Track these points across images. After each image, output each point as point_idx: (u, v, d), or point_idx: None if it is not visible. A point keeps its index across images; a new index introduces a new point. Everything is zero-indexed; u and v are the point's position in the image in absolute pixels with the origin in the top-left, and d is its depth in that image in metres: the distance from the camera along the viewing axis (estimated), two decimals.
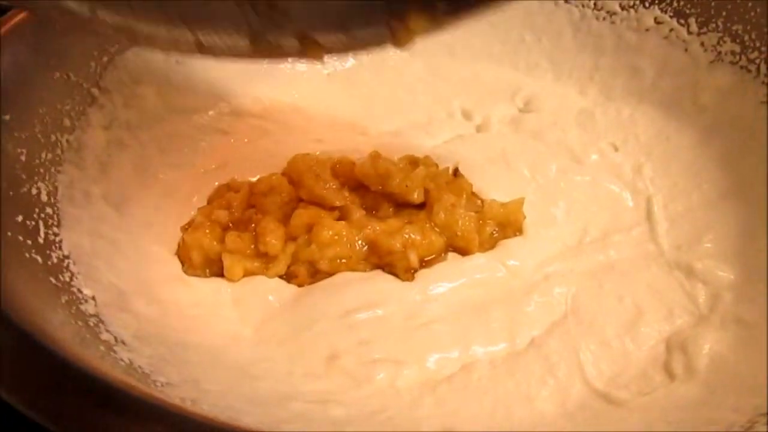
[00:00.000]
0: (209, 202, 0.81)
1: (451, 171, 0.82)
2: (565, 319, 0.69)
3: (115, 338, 0.55)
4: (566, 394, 0.62)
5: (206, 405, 0.51)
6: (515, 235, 0.77)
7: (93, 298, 0.59)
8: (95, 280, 0.61)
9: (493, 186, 0.82)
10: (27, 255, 0.57)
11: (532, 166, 0.85)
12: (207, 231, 0.73)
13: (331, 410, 0.59)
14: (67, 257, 0.61)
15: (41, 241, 0.60)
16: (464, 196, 0.79)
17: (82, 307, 0.57)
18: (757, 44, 0.81)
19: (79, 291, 0.59)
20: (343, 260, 0.72)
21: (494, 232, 0.77)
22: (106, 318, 0.57)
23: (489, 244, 0.76)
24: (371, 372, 0.63)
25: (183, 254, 0.73)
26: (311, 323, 0.67)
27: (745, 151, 0.80)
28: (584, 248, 0.77)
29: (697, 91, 0.87)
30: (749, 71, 0.82)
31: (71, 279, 0.59)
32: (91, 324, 0.55)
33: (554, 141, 0.89)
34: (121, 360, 0.52)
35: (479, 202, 0.80)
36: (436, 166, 0.82)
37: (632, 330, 0.67)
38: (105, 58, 0.77)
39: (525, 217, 0.78)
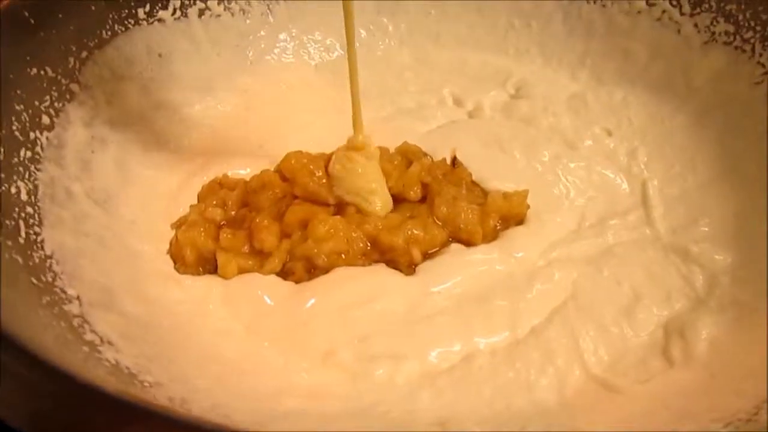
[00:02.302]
0: (200, 199, 0.79)
1: (449, 160, 0.81)
2: (565, 305, 0.67)
3: (101, 338, 0.54)
4: (565, 381, 0.61)
5: (196, 403, 0.49)
6: (517, 225, 0.76)
7: (77, 298, 0.58)
8: (80, 280, 0.60)
9: (492, 173, 0.80)
10: (7, 256, 0.55)
11: (527, 152, 0.84)
12: (201, 229, 0.72)
13: (326, 405, 0.58)
14: (50, 257, 0.60)
15: (22, 241, 0.58)
16: (464, 185, 0.78)
17: (66, 308, 0.55)
18: (752, 23, 0.79)
19: (63, 291, 0.57)
20: (342, 255, 0.70)
21: (497, 225, 0.75)
22: (91, 318, 0.56)
23: (492, 236, 0.74)
24: (369, 368, 0.61)
25: (176, 252, 0.72)
26: (307, 319, 0.65)
27: (739, 132, 0.79)
28: (583, 233, 0.76)
29: (690, 73, 0.86)
30: (744, 51, 0.80)
31: (54, 279, 0.58)
32: (75, 325, 0.53)
33: (547, 127, 0.88)
34: (106, 361, 0.51)
35: (479, 191, 0.78)
36: (431, 158, 0.80)
37: (630, 315, 0.66)
38: (84, 53, 0.75)
39: (529, 207, 0.77)
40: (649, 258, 0.72)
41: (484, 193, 0.78)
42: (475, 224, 0.73)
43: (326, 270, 0.69)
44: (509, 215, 0.75)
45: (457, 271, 0.70)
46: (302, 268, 0.69)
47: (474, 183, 0.79)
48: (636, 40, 0.91)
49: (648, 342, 0.64)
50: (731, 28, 0.81)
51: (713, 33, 0.83)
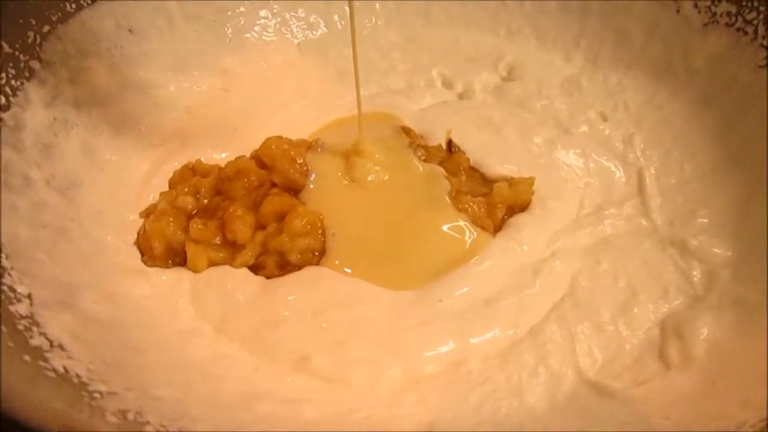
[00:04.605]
0: (171, 185, 0.74)
1: (444, 145, 0.77)
2: (562, 301, 0.64)
3: (50, 343, 0.49)
4: (558, 385, 0.58)
5: (154, 415, 0.45)
6: (521, 212, 0.72)
7: (28, 296, 0.53)
8: (33, 276, 0.55)
9: (490, 157, 0.76)
10: None
11: (522, 136, 0.79)
12: (171, 219, 0.67)
13: (302, 411, 0.54)
14: None
15: None
16: (463, 172, 0.73)
17: (12, 308, 0.51)
18: (755, 4, 0.75)
19: (11, 289, 0.52)
20: (317, 253, 0.65)
21: (504, 216, 0.71)
22: (41, 319, 0.51)
23: (498, 226, 0.71)
24: (347, 372, 0.58)
25: (143, 244, 0.67)
26: (278, 322, 0.61)
27: (741, 118, 0.76)
28: (581, 222, 0.72)
29: (689, 56, 0.82)
30: (746, 33, 0.76)
31: (2, 275, 0.53)
32: (21, 328, 0.49)
33: (540, 110, 0.84)
34: (52, 371, 0.46)
35: (478, 177, 0.74)
36: (425, 144, 0.76)
37: (626, 312, 0.63)
38: (45, 27, 0.69)
39: (533, 193, 0.73)
40: (646, 251, 0.68)
41: (484, 179, 0.74)
42: (484, 217, 0.70)
43: (299, 267, 0.65)
44: (515, 204, 0.72)
45: (462, 283, 0.65)
46: (274, 264, 0.65)
47: (473, 168, 0.75)
48: (633, 21, 0.87)
49: (644, 341, 0.61)
50: (733, 9, 0.77)
51: (714, 14, 0.79)
